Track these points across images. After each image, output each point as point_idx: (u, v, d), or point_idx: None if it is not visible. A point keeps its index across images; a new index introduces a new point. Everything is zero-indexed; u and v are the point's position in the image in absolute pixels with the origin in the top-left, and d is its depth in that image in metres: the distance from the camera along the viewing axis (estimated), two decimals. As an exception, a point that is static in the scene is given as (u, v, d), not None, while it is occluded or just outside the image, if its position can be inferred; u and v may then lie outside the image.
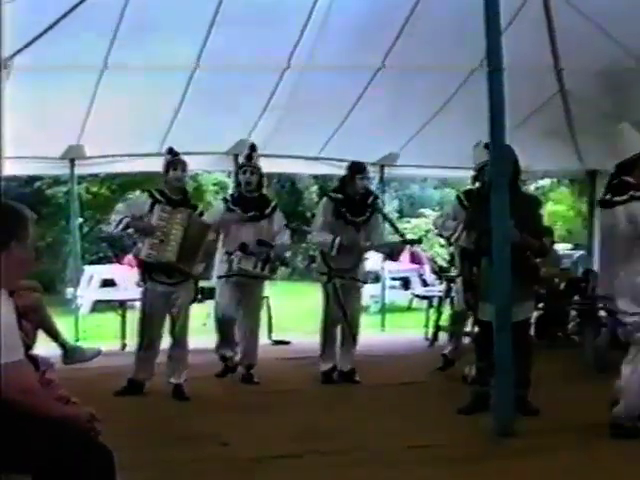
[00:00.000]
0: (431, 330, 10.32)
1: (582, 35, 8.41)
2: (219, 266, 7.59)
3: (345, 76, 9.29)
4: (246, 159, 7.62)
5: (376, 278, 12.42)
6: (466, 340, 7.95)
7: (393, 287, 15.26)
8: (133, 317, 8.32)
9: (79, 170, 10.47)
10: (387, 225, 8.01)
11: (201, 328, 10.43)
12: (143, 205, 6.92)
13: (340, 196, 7.47)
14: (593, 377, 7.53)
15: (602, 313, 9.39)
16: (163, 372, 7.01)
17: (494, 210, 5.44)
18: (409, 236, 9.57)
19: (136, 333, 7.10)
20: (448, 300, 9.28)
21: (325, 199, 7.69)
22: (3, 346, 2.77)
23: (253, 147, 7.66)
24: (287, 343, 10.16)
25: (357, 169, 7.49)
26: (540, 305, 9.50)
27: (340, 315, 7.51)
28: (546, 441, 5.32)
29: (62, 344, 6.02)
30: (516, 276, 5.50)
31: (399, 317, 13.50)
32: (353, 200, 7.46)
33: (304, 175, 20.97)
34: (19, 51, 7.73)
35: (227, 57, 8.58)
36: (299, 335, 10.43)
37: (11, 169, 9.20)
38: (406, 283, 16.39)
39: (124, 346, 9.34)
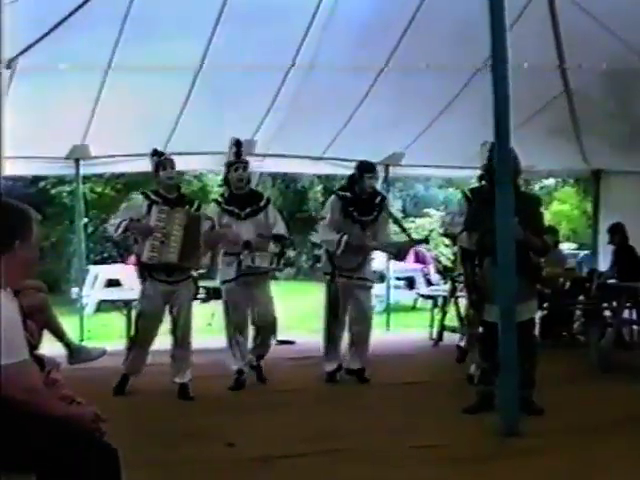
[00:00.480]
0: (436, 330, 10.32)
1: (587, 34, 8.41)
2: (223, 270, 7.46)
3: (350, 76, 9.28)
4: (236, 156, 7.44)
5: (381, 278, 12.40)
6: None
7: (398, 287, 15.25)
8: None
9: (84, 170, 10.49)
10: (391, 225, 7.99)
11: (206, 328, 10.45)
12: (140, 208, 6.93)
13: (348, 195, 7.45)
14: (598, 377, 7.53)
15: (607, 313, 9.40)
16: (167, 372, 7.01)
17: (499, 209, 5.43)
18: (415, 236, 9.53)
19: (132, 329, 7.10)
20: (453, 300, 9.28)
21: (333, 197, 7.64)
22: (8, 346, 2.78)
23: (239, 143, 7.50)
24: (292, 343, 10.15)
25: (366, 168, 7.47)
26: (545, 305, 9.50)
27: (345, 315, 7.50)
28: (551, 441, 5.31)
29: (67, 344, 6.01)
30: (519, 275, 5.50)
31: (404, 317, 13.50)
32: (361, 199, 7.44)
33: (307, 175, 20.93)
34: (24, 51, 7.75)
35: (231, 57, 8.58)
36: (304, 335, 10.43)
37: (16, 169, 9.25)
38: (411, 283, 16.37)
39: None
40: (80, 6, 7.51)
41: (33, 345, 4.05)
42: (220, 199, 7.60)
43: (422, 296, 13.43)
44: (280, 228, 7.51)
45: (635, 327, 9.35)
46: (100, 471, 2.84)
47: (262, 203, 7.53)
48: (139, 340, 7.02)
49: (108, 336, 10.25)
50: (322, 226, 7.55)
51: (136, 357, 7.02)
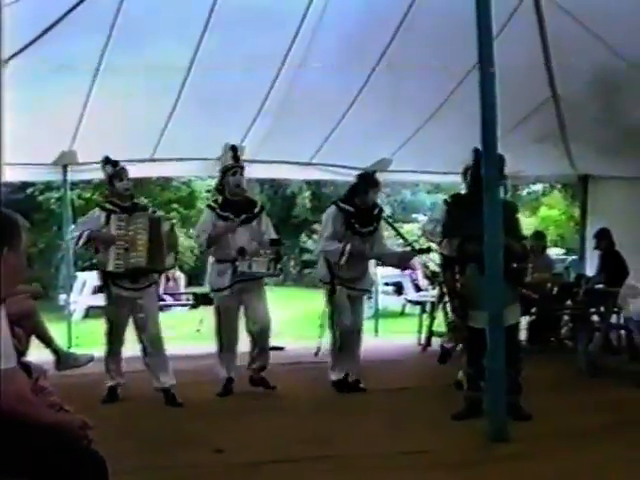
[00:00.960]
0: (424, 335, 10.33)
1: (574, 40, 8.43)
2: (215, 279, 7.38)
3: (337, 82, 9.28)
4: (234, 160, 7.40)
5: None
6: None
7: (386, 292, 15.27)
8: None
9: (72, 176, 10.50)
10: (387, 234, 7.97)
11: (195, 334, 10.44)
12: (98, 219, 6.95)
13: (351, 208, 7.36)
14: (585, 382, 7.56)
15: (594, 318, 9.44)
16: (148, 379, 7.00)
17: (486, 215, 5.41)
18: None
19: (105, 341, 7.09)
20: (441, 305, 9.29)
21: (334, 208, 7.46)
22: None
23: (235, 148, 7.49)
24: (281, 349, 10.13)
25: (373, 182, 7.46)
26: (532, 310, 9.53)
27: (350, 324, 7.47)
28: (539, 446, 5.32)
29: (55, 350, 6.00)
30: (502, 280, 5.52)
31: (392, 322, 13.51)
32: (361, 211, 7.42)
33: (295, 181, 20.95)
34: (14, 55, 7.71)
35: (220, 61, 8.56)
36: (293, 341, 10.42)
37: (4, 175, 9.20)
38: (399, 288, 16.41)
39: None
40: (69, 11, 7.50)
41: (20, 352, 4.04)
42: (214, 205, 7.49)
43: (410, 302, 13.47)
44: (272, 235, 7.51)
45: (622, 332, 9.39)
46: (88, 479, 2.83)
47: (256, 210, 7.52)
48: (114, 350, 7.07)
49: (96, 342, 10.13)
50: (324, 237, 7.46)
51: (116, 366, 7.08)
